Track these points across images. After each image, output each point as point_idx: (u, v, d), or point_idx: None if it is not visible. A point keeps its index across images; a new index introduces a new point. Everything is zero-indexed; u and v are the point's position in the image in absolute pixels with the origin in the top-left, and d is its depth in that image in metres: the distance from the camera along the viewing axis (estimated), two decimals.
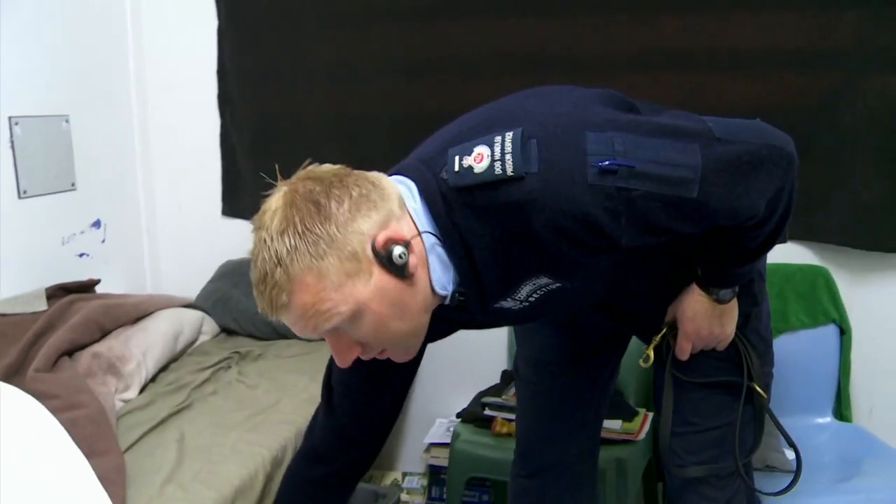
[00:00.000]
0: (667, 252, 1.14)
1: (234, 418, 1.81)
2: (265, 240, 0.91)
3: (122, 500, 1.39)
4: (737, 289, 1.20)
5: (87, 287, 2.31)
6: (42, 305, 2.07)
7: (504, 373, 2.41)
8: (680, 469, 1.31)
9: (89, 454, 1.34)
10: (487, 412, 2.18)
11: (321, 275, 0.90)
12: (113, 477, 1.41)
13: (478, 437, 2.13)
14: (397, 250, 0.93)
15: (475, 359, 2.44)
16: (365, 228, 0.92)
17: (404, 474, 2.75)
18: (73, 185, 2.38)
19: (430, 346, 1.16)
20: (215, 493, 1.45)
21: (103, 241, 2.55)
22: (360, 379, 1.22)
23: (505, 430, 2.10)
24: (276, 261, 0.89)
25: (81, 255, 2.45)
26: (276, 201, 0.93)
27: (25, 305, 2.04)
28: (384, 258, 0.92)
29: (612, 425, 1.98)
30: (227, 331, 2.55)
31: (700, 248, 1.17)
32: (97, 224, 2.51)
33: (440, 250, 1.00)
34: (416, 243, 0.97)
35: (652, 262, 1.17)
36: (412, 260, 0.95)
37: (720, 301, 1.19)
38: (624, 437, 2.00)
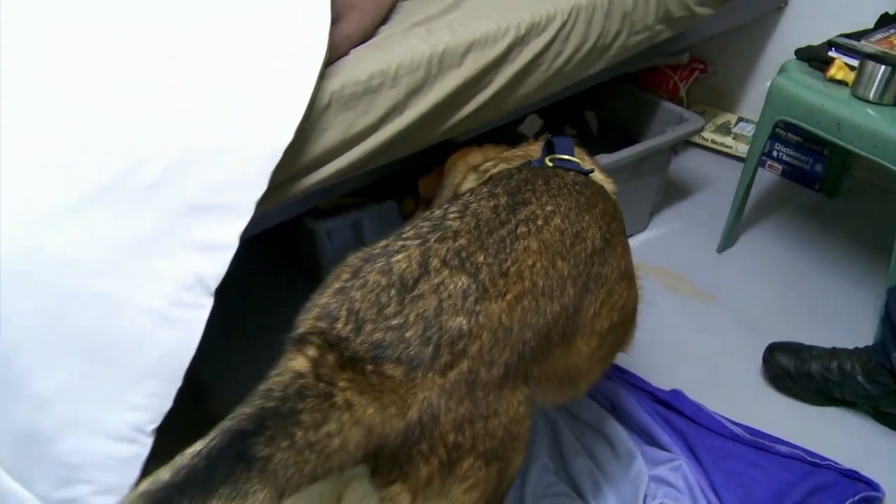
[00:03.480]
0: None
1: None
2: None
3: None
4: None
5: None
6: None
7: (884, 16, 1.81)
8: None
9: None
10: (832, 53, 1.72)
11: None
12: None
13: (806, 77, 1.72)
14: None
15: None
16: None
17: (739, 118, 2.45)
18: None
19: None
20: (452, 38, 1.45)
21: None
22: None
23: (840, 75, 1.65)
24: None
25: None
26: None
27: None
28: None
29: None
30: None
31: None
32: None
33: None
34: None
35: None
36: None
37: None
38: None
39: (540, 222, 0.98)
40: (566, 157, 1.26)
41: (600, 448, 1.49)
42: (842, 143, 1.60)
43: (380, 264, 0.89)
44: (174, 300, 1.08)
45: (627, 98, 2.17)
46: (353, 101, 1.29)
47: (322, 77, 1.24)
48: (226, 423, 0.76)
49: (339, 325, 0.83)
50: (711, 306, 1.88)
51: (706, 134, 2.44)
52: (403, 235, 0.93)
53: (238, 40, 1.20)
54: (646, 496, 1.39)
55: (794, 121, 1.69)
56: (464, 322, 0.84)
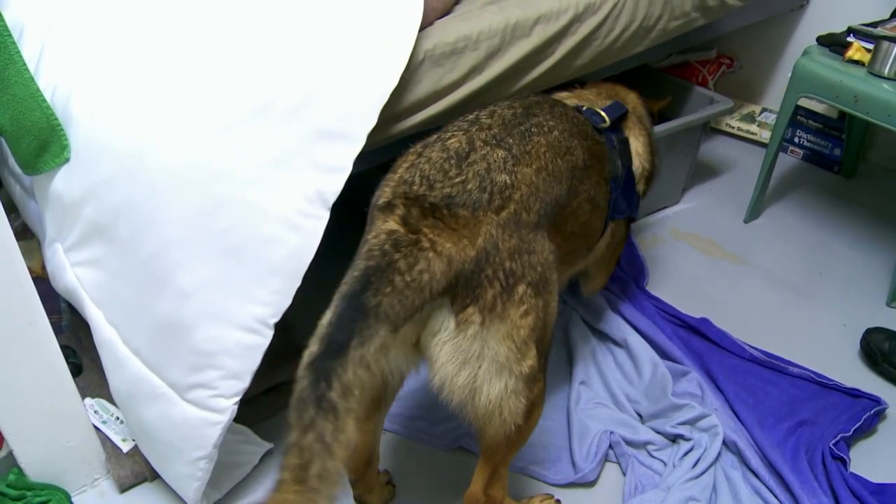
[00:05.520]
0: None
1: None
2: None
3: None
4: None
5: None
6: None
7: None
8: None
9: None
10: (850, 38, 1.93)
11: None
12: None
13: (826, 59, 1.94)
14: None
15: None
16: None
17: (763, 108, 2.67)
18: None
19: None
20: (522, 12, 1.68)
21: None
22: None
23: (858, 55, 1.87)
24: None
25: None
26: None
27: None
28: None
29: None
30: None
31: None
32: None
33: None
34: None
35: None
36: None
37: None
38: None
39: (545, 129, 1.24)
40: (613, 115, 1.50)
41: (628, 361, 1.72)
42: (859, 114, 1.81)
43: (437, 146, 1.16)
44: (299, 210, 1.29)
45: (662, 84, 2.40)
46: (442, 60, 1.53)
47: (417, 38, 1.47)
48: (341, 289, 1.00)
49: (415, 187, 1.08)
50: (739, 266, 2.08)
51: (732, 122, 2.65)
52: (449, 128, 1.21)
53: (354, 9, 1.44)
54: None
55: (816, 96, 1.91)
56: (507, 178, 1.10)
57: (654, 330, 1.77)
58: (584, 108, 1.47)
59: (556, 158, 1.21)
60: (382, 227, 1.03)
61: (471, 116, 1.24)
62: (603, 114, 1.48)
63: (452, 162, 1.11)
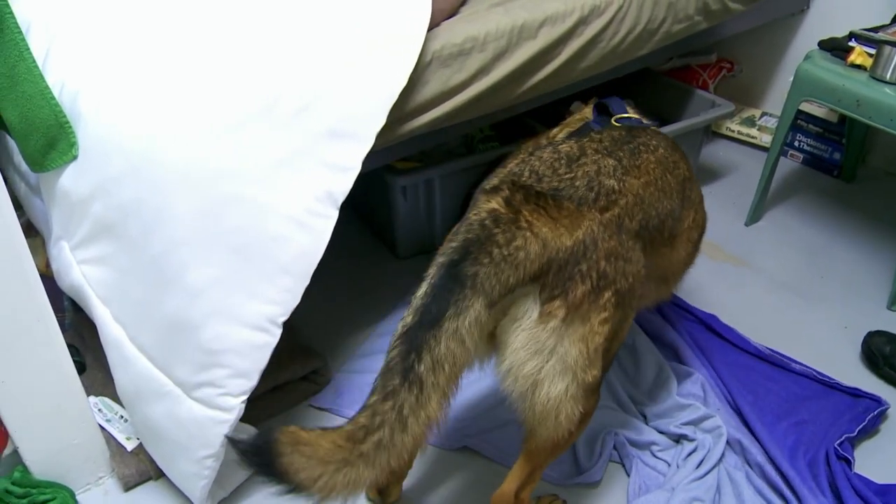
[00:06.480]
0: None
1: None
2: None
3: None
4: None
5: None
6: None
7: None
8: None
9: None
10: (852, 42, 1.95)
11: None
12: None
13: (828, 63, 1.95)
14: None
15: None
16: None
17: (763, 112, 2.68)
18: None
19: None
20: (528, 14, 1.68)
21: None
22: None
23: (859, 60, 1.88)
24: None
25: None
26: None
27: None
28: None
29: None
30: None
31: None
32: None
33: None
34: None
35: None
36: None
37: None
38: None
39: (652, 147, 1.26)
40: (626, 115, 1.50)
41: (632, 362, 1.73)
42: (861, 118, 1.82)
43: (549, 149, 1.18)
44: (309, 209, 1.29)
45: (663, 87, 2.41)
46: (450, 60, 1.53)
47: (425, 39, 1.47)
48: (439, 259, 1.01)
49: (524, 178, 1.10)
50: (740, 268, 2.09)
51: (733, 126, 2.67)
52: (561, 140, 1.27)
53: (362, 10, 1.44)
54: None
55: (818, 100, 1.92)
56: (615, 183, 1.12)
57: (663, 323, 1.79)
58: (623, 119, 1.52)
59: (666, 174, 1.23)
60: (484, 206, 1.05)
61: (582, 135, 1.29)
62: (633, 115, 1.54)
63: (563, 162, 1.13)
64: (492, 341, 1.09)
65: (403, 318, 0.97)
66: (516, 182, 1.08)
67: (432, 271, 1.00)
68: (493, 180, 1.12)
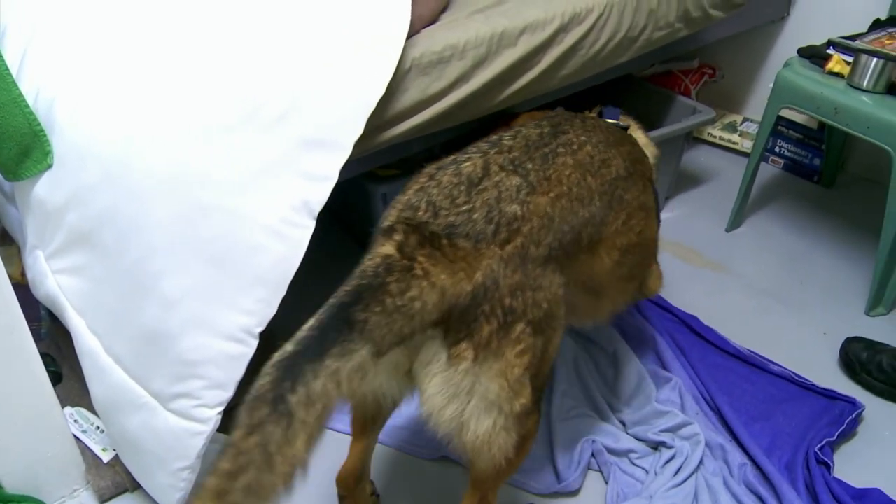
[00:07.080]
0: None
1: None
2: None
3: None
4: None
5: None
6: None
7: (876, 21, 2.07)
8: None
9: None
10: (830, 50, 1.96)
11: None
12: None
13: (807, 70, 1.97)
14: None
15: None
16: None
17: (744, 118, 2.70)
18: None
19: None
20: (508, 22, 1.68)
21: None
22: None
23: (838, 68, 1.90)
24: None
25: None
26: None
27: None
28: None
29: None
30: None
31: None
32: None
33: None
34: None
35: None
36: None
37: None
38: None
39: (575, 147, 1.21)
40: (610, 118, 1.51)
41: (612, 368, 1.74)
42: (838, 125, 1.84)
43: (451, 169, 1.12)
44: (285, 219, 1.28)
45: (645, 93, 2.42)
46: (429, 68, 1.53)
47: (404, 47, 1.47)
48: (331, 301, 0.95)
49: (419, 213, 1.05)
50: (720, 274, 2.10)
51: (714, 131, 2.68)
52: (468, 150, 1.17)
53: (341, 15, 1.43)
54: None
55: (797, 107, 1.94)
56: (518, 208, 1.06)
57: (643, 322, 1.82)
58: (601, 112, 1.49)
59: (585, 177, 1.17)
60: (379, 251, 1.00)
61: (494, 137, 1.20)
62: (618, 121, 1.51)
63: (462, 188, 1.07)
64: (410, 378, 1.06)
65: (283, 348, 0.88)
66: (411, 222, 1.03)
67: (322, 311, 0.93)
68: (390, 215, 1.07)
